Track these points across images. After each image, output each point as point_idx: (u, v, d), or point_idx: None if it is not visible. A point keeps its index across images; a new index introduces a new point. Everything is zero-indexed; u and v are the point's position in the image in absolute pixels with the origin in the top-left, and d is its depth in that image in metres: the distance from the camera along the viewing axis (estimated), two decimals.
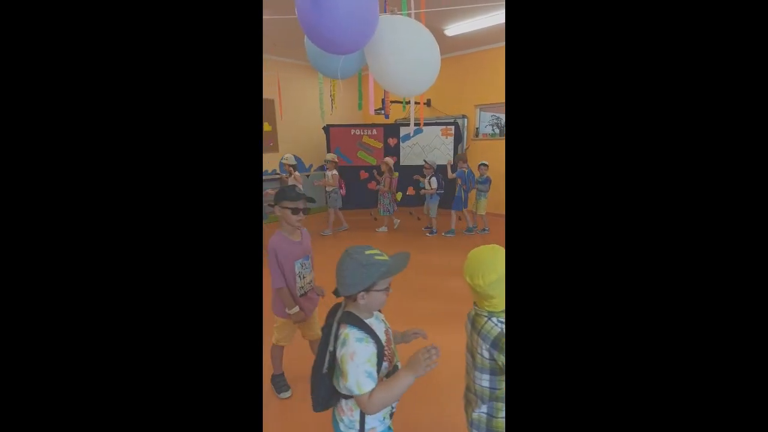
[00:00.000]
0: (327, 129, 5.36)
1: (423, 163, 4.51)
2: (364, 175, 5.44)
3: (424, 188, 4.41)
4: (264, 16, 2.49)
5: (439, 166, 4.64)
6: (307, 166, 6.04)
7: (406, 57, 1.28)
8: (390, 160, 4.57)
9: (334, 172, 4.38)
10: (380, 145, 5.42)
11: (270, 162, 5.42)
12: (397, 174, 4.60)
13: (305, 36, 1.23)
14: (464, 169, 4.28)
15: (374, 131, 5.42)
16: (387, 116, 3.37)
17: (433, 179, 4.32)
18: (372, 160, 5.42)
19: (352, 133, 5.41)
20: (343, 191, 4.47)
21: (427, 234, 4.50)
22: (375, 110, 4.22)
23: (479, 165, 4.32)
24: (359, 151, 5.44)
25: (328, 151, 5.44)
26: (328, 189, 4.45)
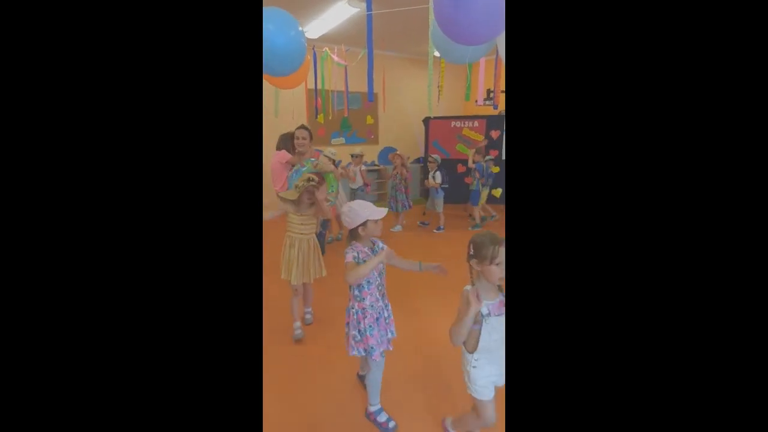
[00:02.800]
0: (426, 121, 5.32)
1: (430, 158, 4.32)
2: (461, 168, 5.27)
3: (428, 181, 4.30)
4: (373, 11, 2.55)
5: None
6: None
7: None
8: (403, 154, 4.30)
9: (362, 167, 4.02)
10: (481, 138, 5.17)
11: (370, 154, 5.65)
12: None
13: (431, 25, 1.21)
14: (482, 162, 4.10)
15: (476, 123, 5.18)
16: (496, 107, 3.18)
17: (438, 173, 4.12)
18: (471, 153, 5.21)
19: (451, 125, 5.28)
20: (368, 189, 4.18)
21: (434, 230, 4.26)
22: (483, 100, 4.01)
23: (487, 159, 4.34)
24: (458, 144, 5.27)
25: (427, 143, 5.41)
26: (352, 186, 4.03)
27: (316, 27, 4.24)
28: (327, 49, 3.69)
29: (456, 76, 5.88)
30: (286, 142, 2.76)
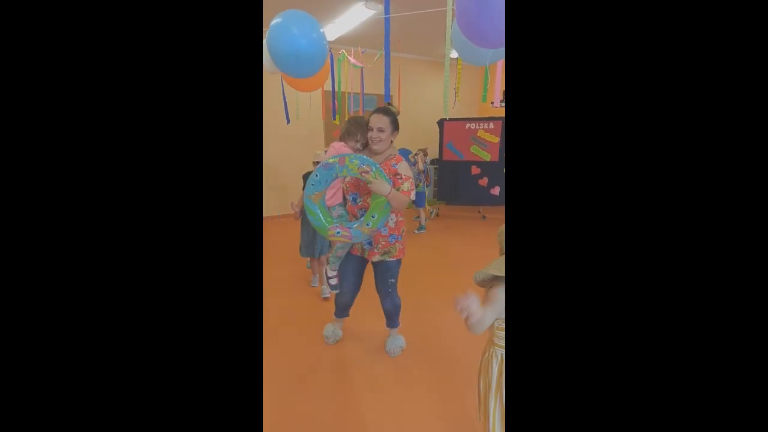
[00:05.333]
0: (441, 123, 5.32)
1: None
2: (475, 170, 5.24)
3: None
4: (391, 14, 2.57)
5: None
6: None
7: None
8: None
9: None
10: (496, 140, 5.13)
11: None
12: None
13: (449, 26, 1.22)
14: (427, 164, 4.19)
15: (491, 125, 5.14)
16: None
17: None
18: (486, 156, 5.17)
19: (466, 127, 5.25)
20: None
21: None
22: (500, 102, 3.97)
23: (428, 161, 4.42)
24: (472, 146, 5.25)
25: (441, 145, 5.40)
26: None
27: (332, 29, 4.29)
28: (344, 51, 3.74)
29: (470, 78, 5.85)
30: (353, 130, 1.64)
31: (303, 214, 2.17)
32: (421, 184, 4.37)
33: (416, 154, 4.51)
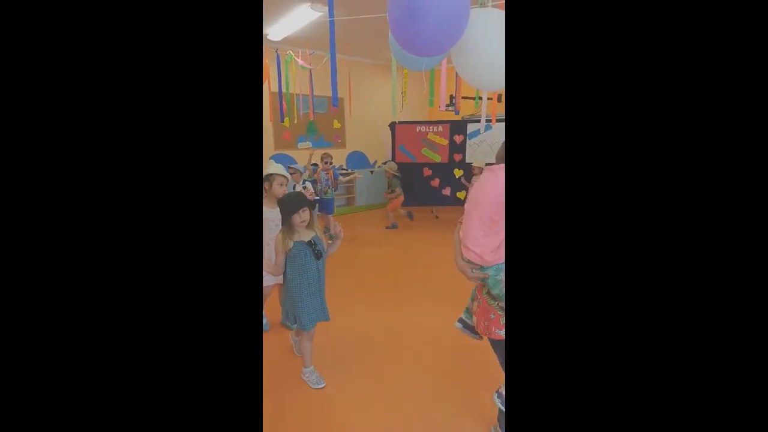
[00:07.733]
0: (393, 126, 5.40)
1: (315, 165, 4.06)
2: (427, 172, 5.40)
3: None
4: (337, 17, 2.56)
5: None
6: (371, 162, 6.16)
7: (495, 50, 1.23)
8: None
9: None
10: (445, 142, 5.32)
11: (338, 158, 5.64)
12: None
13: (390, 32, 1.24)
14: (337, 170, 4.12)
15: (440, 128, 5.32)
16: (457, 112, 3.29)
17: (308, 184, 3.60)
18: (437, 158, 5.34)
19: (417, 130, 5.39)
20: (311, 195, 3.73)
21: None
22: (446, 106, 4.13)
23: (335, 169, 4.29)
24: (423, 148, 5.39)
25: (393, 147, 5.48)
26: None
27: (278, 29, 4.18)
28: (291, 52, 3.65)
29: (420, 82, 6.02)
30: None
31: (299, 269, 1.58)
32: (330, 191, 4.18)
33: (325, 162, 4.19)
